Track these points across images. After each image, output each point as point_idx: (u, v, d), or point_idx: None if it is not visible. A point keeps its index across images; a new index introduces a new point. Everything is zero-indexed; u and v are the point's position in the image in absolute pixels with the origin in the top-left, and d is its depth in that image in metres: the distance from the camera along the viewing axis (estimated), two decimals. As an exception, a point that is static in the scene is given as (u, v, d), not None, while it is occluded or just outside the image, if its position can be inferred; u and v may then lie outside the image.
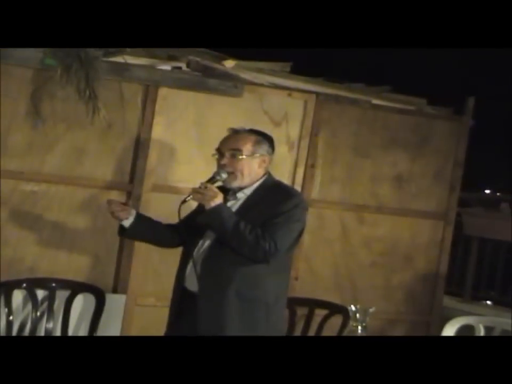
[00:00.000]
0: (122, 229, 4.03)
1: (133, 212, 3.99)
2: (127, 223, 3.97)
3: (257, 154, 3.87)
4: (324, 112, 5.37)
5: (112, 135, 4.87)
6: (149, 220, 4.09)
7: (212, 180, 3.81)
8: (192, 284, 3.84)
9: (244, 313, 3.79)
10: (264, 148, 3.91)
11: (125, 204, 4.12)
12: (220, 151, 3.88)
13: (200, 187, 3.76)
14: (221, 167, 3.85)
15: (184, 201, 3.79)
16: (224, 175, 3.82)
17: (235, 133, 3.93)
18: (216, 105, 5.03)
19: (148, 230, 4.08)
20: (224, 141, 3.91)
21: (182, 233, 4.01)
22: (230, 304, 3.76)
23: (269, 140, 3.97)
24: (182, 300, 3.93)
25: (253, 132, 3.96)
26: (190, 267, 3.87)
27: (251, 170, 3.86)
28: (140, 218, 4.01)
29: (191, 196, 3.77)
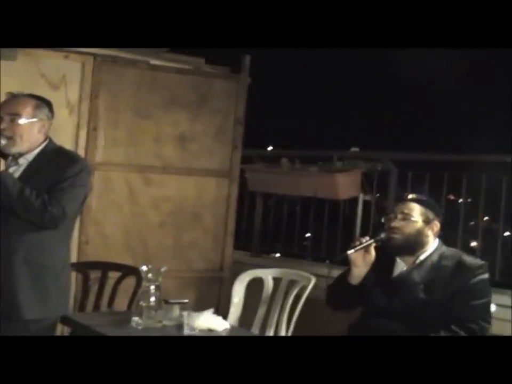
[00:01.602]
0: None
1: None
2: None
3: (37, 119, 3.93)
4: (103, 74, 5.44)
5: None
6: None
7: None
8: None
9: (34, 280, 3.88)
10: (44, 112, 3.98)
11: None
12: None
13: None
14: None
15: None
16: (3, 141, 3.84)
17: (13, 97, 3.96)
18: None
19: None
20: (2, 105, 3.95)
21: None
22: (19, 271, 3.83)
23: (48, 104, 4.03)
24: None
25: (31, 96, 4.01)
26: None
27: (31, 135, 3.92)
28: None
29: None
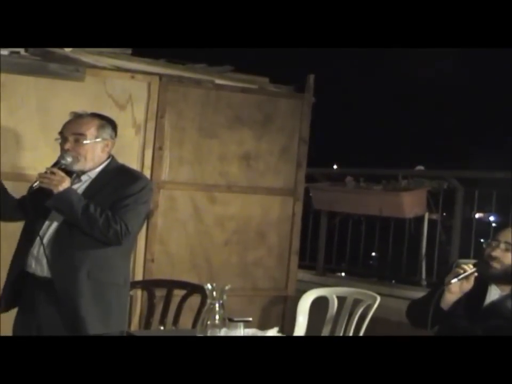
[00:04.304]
0: None
1: None
2: None
3: (100, 139, 4.00)
4: (168, 93, 5.46)
5: (-48, 124, 4.75)
6: (2, 187, 4.12)
7: (57, 165, 3.91)
8: (39, 268, 3.92)
9: (97, 296, 3.93)
10: (108, 132, 4.04)
11: None
12: (63, 136, 3.97)
13: (46, 172, 3.84)
14: (64, 151, 3.93)
15: (31, 187, 3.86)
16: (69, 159, 3.93)
17: (78, 117, 4.02)
18: (58, 90, 5.03)
19: None
20: (67, 125, 4.00)
21: (22, 210, 4.07)
22: (83, 287, 3.90)
23: (112, 123, 4.10)
24: (26, 286, 3.97)
25: (96, 115, 4.07)
26: (35, 250, 3.92)
27: (94, 155, 3.99)
28: None
29: (37, 182, 3.84)
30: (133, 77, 5.34)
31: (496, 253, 3.95)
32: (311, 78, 5.97)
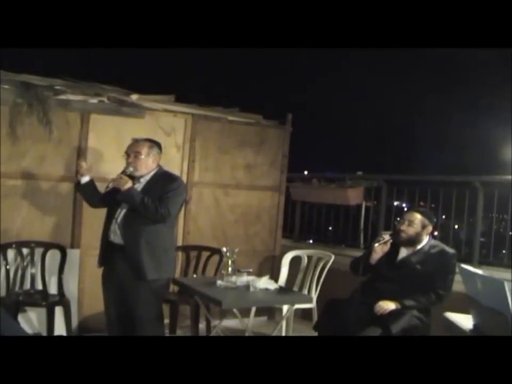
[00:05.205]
0: (78, 184, 4.18)
1: (89, 176, 4.15)
2: (83, 180, 4.11)
3: (151, 155, 3.99)
4: (198, 126, 5.49)
5: (62, 146, 4.91)
6: (95, 185, 4.20)
7: (124, 172, 3.95)
8: (116, 238, 3.95)
9: (152, 254, 3.91)
10: (156, 150, 4.04)
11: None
12: (127, 153, 4.02)
13: (117, 177, 3.91)
14: (128, 163, 3.99)
15: (107, 187, 3.92)
16: (131, 169, 3.96)
17: (136, 141, 4.06)
18: (128, 124, 5.08)
19: (92, 191, 4.17)
20: (129, 147, 4.04)
21: (104, 201, 4.13)
22: (142, 249, 3.89)
23: (158, 145, 4.08)
24: (109, 249, 3.99)
25: (147, 140, 4.06)
26: (113, 227, 3.95)
27: (147, 165, 3.99)
28: (91, 181, 4.17)
29: (111, 183, 3.90)
30: (175, 115, 5.38)
31: (403, 227, 4.03)
32: (289, 115, 6.01)
